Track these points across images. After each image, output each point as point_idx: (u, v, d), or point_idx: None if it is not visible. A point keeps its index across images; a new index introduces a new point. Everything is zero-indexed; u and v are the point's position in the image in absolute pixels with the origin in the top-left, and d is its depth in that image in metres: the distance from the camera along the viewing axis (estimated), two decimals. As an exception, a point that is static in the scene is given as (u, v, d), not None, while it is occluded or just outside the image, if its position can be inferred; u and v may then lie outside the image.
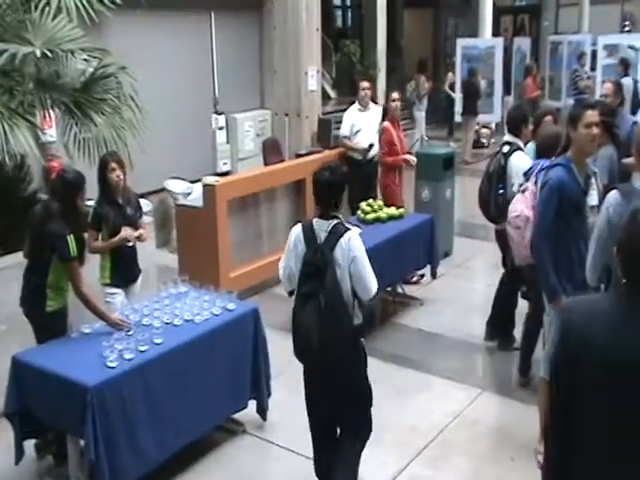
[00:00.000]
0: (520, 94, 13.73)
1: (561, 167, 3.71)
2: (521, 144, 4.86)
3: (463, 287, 6.41)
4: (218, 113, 8.89)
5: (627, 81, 9.71)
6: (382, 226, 5.80)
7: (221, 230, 5.93)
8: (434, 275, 6.12)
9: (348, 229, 3.19)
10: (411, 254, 5.85)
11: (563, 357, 2.10)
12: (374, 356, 4.99)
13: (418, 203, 7.18)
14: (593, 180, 3.85)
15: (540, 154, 4.41)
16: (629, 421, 1.98)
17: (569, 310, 2.18)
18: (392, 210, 6.03)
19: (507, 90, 13.88)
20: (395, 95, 7.08)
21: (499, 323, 5.12)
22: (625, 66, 10.97)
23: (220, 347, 3.96)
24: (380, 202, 6.20)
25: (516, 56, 14.75)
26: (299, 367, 4.92)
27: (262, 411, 4.19)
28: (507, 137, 4.96)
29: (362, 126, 7.16)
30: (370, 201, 6.18)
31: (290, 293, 3.37)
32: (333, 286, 3.08)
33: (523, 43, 15.17)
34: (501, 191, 4.78)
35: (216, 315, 4.03)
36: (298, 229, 3.27)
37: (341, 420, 3.36)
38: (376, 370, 4.83)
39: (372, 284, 3.19)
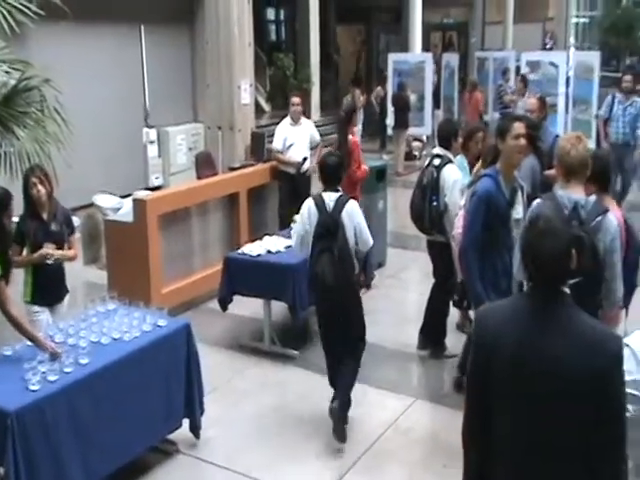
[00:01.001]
0: (460, 109, 14.12)
1: (489, 178, 3.82)
2: (451, 156, 4.98)
3: (397, 297, 6.51)
4: (149, 126, 8.77)
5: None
6: (316, 238, 5.81)
7: (152, 245, 5.82)
8: (368, 286, 6.17)
9: (349, 199, 4.19)
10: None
11: (478, 361, 2.16)
12: (310, 369, 5.06)
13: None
14: (520, 193, 3.95)
15: (484, 166, 4.53)
16: (541, 422, 2.03)
17: (483, 315, 2.25)
18: (326, 222, 6.06)
19: (437, 104, 14.24)
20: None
21: (431, 332, 5.21)
22: (525, 83, 11.54)
23: (151, 365, 3.86)
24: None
25: (445, 71, 15.16)
26: (234, 381, 4.90)
27: (195, 429, 4.11)
28: (437, 150, 5.07)
29: (294, 140, 7.23)
30: (292, 231, 6.19)
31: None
32: (343, 242, 4.06)
33: (452, 59, 15.60)
34: (434, 203, 4.88)
35: (146, 332, 3.94)
36: (310, 202, 4.19)
37: (346, 343, 4.28)
38: (312, 382, 4.88)
39: (370, 239, 4.26)
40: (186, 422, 4.08)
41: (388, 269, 7.12)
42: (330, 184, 4.19)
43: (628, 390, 2.08)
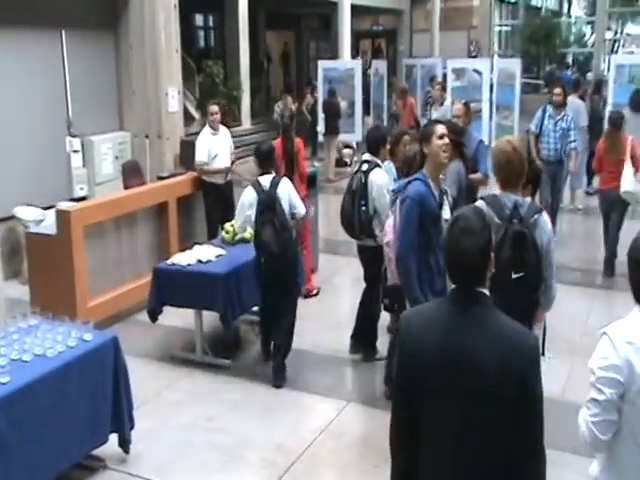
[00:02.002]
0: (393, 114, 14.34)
1: (419, 181, 3.91)
2: (379, 162, 5.07)
3: (329, 302, 6.56)
4: (72, 136, 8.51)
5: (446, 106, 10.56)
6: (247, 246, 5.79)
7: (77, 258, 5.66)
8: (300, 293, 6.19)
9: (282, 178, 5.01)
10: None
11: (403, 365, 2.19)
12: (239, 377, 5.04)
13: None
14: (446, 197, 4.07)
15: (405, 172, 4.61)
16: (464, 424, 2.06)
17: (407, 319, 2.26)
18: (257, 230, 6.05)
19: (367, 111, 14.45)
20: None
21: (362, 336, 5.28)
22: (444, 91, 11.93)
23: (76, 381, 3.75)
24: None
25: (374, 78, 15.41)
26: (165, 393, 4.82)
27: (125, 444, 4.02)
28: (366, 156, 5.15)
29: (218, 151, 7.26)
30: (234, 222, 6.16)
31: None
32: (281, 213, 4.85)
33: (380, 66, 15.88)
34: (363, 208, 4.96)
35: (71, 347, 3.82)
36: (249, 188, 4.96)
37: (283, 302, 5.02)
38: (244, 391, 4.86)
39: (303, 206, 5.10)
40: (115, 437, 3.98)
41: (320, 275, 7.16)
42: (265, 168, 5.05)
43: (604, 374, 2.14)
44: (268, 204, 4.84)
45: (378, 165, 5.02)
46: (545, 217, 3.29)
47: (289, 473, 3.94)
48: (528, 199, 3.33)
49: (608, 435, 2.14)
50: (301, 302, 6.26)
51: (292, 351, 5.07)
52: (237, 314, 5.36)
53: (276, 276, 4.90)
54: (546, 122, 8.04)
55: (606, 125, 7.93)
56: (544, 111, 8.14)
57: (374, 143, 5.12)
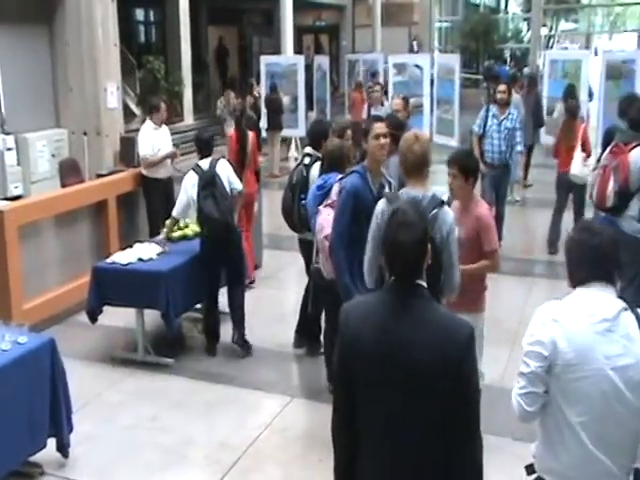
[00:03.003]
0: (349, 107, 14.39)
1: (357, 174, 3.95)
2: (320, 156, 5.06)
3: (273, 298, 6.55)
4: (6, 133, 8.25)
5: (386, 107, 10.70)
6: (189, 243, 5.75)
7: (11, 259, 5.49)
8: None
9: (219, 159, 5.39)
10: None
11: (342, 357, 2.21)
12: (182, 375, 5.00)
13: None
14: (387, 189, 4.10)
15: (329, 167, 4.64)
16: (403, 413, 2.10)
17: (346, 312, 2.29)
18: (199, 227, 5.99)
19: (310, 106, 14.48)
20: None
21: (306, 330, 5.30)
22: (384, 91, 12.03)
23: (10, 385, 3.64)
24: (187, 219, 6.14)
25: (317, 73, 15.44)
26: (106, 395, 4.73)
27: (63, 448, 3.92)
28: (308, 149, 5.20)
29: (161, 145, 7.16)
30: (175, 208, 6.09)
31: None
32: (221, 186, 5.20)
33: (323, 61, 15.92)
34: (303, 201, 4.98)
35: (4, 351, 3.71)
36: (190, 173, 5.29)
37: (232, 274, 5.39)
38: (188, 389, 4.82)
39: (239, 183, 5.44)
40: (53, 442, 3.89)
41: (264, 271, 7.15)
42: (204, 153, 5.40)
43: (530, 348, 2.24)
44: (208, 180, 5.19)
45: (319, 158, 5.03)
46: (447, 209, 3.33)
47: (233, 470, 3.93)
48: (429, 193, 3.36)
49: (534, 407, 2.24)
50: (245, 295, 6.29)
51: (234, 346, 5.05)
52: (180, 312, 5.32)
53: (220, 245, 5.20)
54: (490, 122, 7.42)
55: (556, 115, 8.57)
56: (487, 110, 7.53)
57: (316, 137, 5.16)
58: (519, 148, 7.53)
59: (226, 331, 5.77)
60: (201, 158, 5.35)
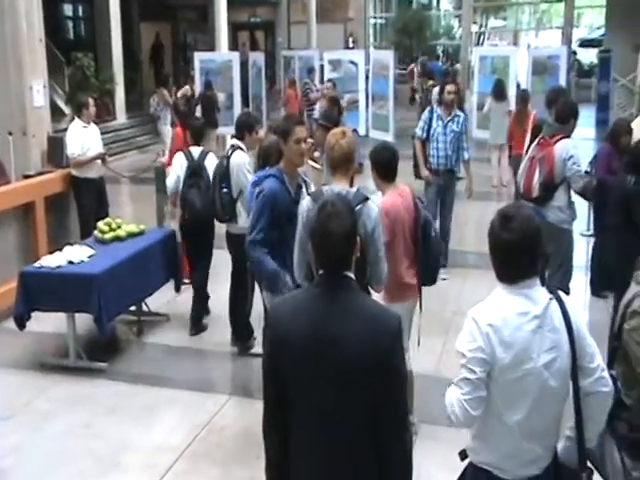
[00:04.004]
0: (284, 104, 14.33)
1: (273, 178, 3.92)
2: (242, 146, 5.18)
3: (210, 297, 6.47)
4: None
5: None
6: (122, 244, 5.63)
7: None
8: (178, 289, 6.10)
9: (209, 152, 5.66)
10: (155, 270, 5.77)
11: (272, 353, 2.20)
12: (117, 380, 4.89)
13: (160, 217, 7.10)
14: (304, 189, 4.07)
15: (262, 164, 4.63)
16: (333, 406, 2.11)
17: (275, 308, 2.31)
18: (132, 227, 5.88)
19: (245, 103, 14.38)
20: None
21: (237, 327, 5.27)
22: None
23: None
24: (119, 220, 6.01)
25: (252, 70, 15.34)
26: (36, 403, 4.58)
27: (-11, 461, 3.80)
28: (233, 141, 5.27)
29: (90, 144, 7.00)
30: (108, 220, 5.96)
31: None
32: (207, 179, 5.43)
33: (258, 58, 15.84)
34: (225, 190, 5.00)
35: None
36: (181, 155, 5.64)
37: (198, 257, 5.85)
38: (123, 393, 4.72)
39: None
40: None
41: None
42: (196, 141, 5.74)
43: (473, 355, 2.22)
44: (195, 170, 5.51)
45: (240, 148, 5.14)
46: (371, 205, 3.31)
47: (170, 473, 3.88)
48: (353, 189, 3.38)
49: (479, 410, 2.25)
50: (180, 298, 6.22)
51: (171, 349, 4.98)
52: (113, 315, 5.19)
53: (197, 231, 5.59)
54: (434, 125, 6.68)
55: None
56: (431, 112, 6.79)
57: (239, 128, 5.27)
58: (467, 156, 6.86)
59: (160, 332, 5.71)
60: (194, 145, 5.69)
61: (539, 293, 2.25)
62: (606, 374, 2.30)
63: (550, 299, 2.24)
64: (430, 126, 6.72)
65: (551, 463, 2.32)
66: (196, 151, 5.62)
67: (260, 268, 3.92)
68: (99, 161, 7.12)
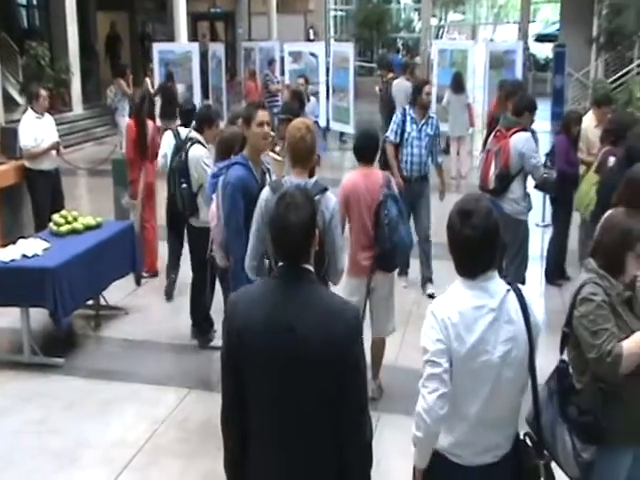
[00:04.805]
0: (244, 96, 14.20)
1: (239, 165, 3.90)
2: (200, 139, 5.16)
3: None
4: None
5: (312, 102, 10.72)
6: (79, 237, 5.52)
7: None
8: (138, 282, 6.03)
9: (195, 142, 5.26)
10: (113, 263, 5.68)
11: (230, 346, 2.19)
12: (74, 375, 4.81)
13: (118, 210, 7.00)
14: (267, 176, 4.11)
15: (221, 156, 4.59)
16: (292, 399, 2.11)
17: (234, 301, 2.27)
18: (88, 220, 5.78)
19: (205, 94, 14.23)
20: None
21: (198, 321, 5.24)
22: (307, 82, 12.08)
23: None
24: (75, 212, 5.89)
25: (212, 61, 15.18)
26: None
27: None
28: (192, 134, 5.23)
29: (44, 136, 6.86)
30: (63, 212, 5.85)
31: None
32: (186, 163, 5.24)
33: (218, 49, 15.67)
34: (184, 185, 4.95)
35: None
36: (169, 132, 5.71)
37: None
38: (78, 389, 4.64)
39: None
40: None
41: (162, 263, 6.95)
42: (183, 122, 5.79)
43: (435, 348, 2.22)
44: (180, 147, 5.36)
45: (199, 141, 5.11)
46: (329, 195, 3.39)
47: (129, 468, 3.84)
48: (312, 180, 3.42)
49: (445, 408, 2.23)
50: (140, 291, 6.14)
51: (130, 343, 4.92)
52: (70, 309, 5.09)
53: (179, 226, 5.54)
54: (408, 128, 6.13)
55: None
56: (404, 114, 6.21)
57: (198, 121, 5.26)
58: (440, 160, 6.45)
59: (119, 326, 5.64)
60: (181, 126, 5.74)
61: (497, 286, 2.27)
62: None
63: (507, 291, 2.26)
64: (404, 130, 6.14)
65: (511, 452, 2.34)
66: (184, 132, 5.56)
67: (235, 268, 3.81)
68: (54, 152, 6.97)
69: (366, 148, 4.35)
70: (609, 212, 3.05)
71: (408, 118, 6.16)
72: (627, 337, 2.61)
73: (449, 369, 2.22)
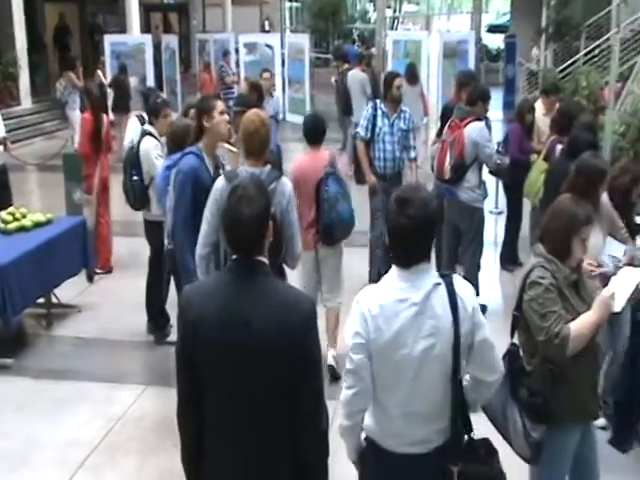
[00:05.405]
0: (199, 88, 14.02)
1: (193, 155, 3.86)
2: (152, 131, 5.12)
3: (124, 286, 6.26)
4: None
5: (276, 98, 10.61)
6: (28, 235, 5.38)
7: None
8: (91, 279, 5.91)
9: (146, 134, 5.15)
10: (64, 260, 5.55)
11: (185, 340, 2.18)
12: (25, 376, 4.70)
13: (69, 205, 6.83)
14: (222, 171, 4.08)
15: (173, 147, 4.53)
16: (247, 392, 2.10)
17: (188, 294, 2.25)
18: (38, 216, 5.64)
19: (160, 86, 14.03)
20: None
21: (153, 316, 5.17)
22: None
23: None
24: (23, 209, 5.74)
25: (166, 53, 14.97)
26: None
27: None
28: (145, 126, 5.22)
29: None
30: (11, 209, 5.69)
31: None
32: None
33: (171, 40, 15.45)
34: (135, 177, 4.93)
35: None
36: (135, 119, 5.80)
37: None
38: (27, 391, 4.53)
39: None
40: None
41: (115, 259, 6.86)
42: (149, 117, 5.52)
43: (353, 341, 2.20)
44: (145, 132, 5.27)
45: (150, 133, 5.09)
46: (285, 180, 3.47)
47: (83, 468, 3.77)
48: (267, 168, 3.46)
49: (361, 406, 2.23)
50: (93, 288, 6.02)
51: (83, 341, 4.82)
52: (20, 308, 4.96)
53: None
54: (380, 123, 5.82)
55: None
56: (375, 108, 5.88)
57: (147, 113, 5.26)
58: (413, 154, 6.03)
59: (71, 324, 5.52)
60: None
61: (426, 279, 2.20)
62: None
63: (436, 285, 2.19)
64: (375, 125, 5.82)
65: (449, 442, 2.25)
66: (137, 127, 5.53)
67: (181, 258, 3.79)
68: (0, 148, 6.76)
69: (314, 132, 4.67)
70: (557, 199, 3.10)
71: (379, 112, 5.85)
72: (574, 319, 2.67)
73: (367, 364, 2.20)
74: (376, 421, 2.30)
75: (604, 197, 3.77)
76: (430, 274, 2.22)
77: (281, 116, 8.56)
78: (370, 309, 2.20)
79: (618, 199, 3.86)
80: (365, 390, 2.23)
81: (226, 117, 3.90)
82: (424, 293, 2.18)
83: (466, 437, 2.31)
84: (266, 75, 8.76)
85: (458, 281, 2.26)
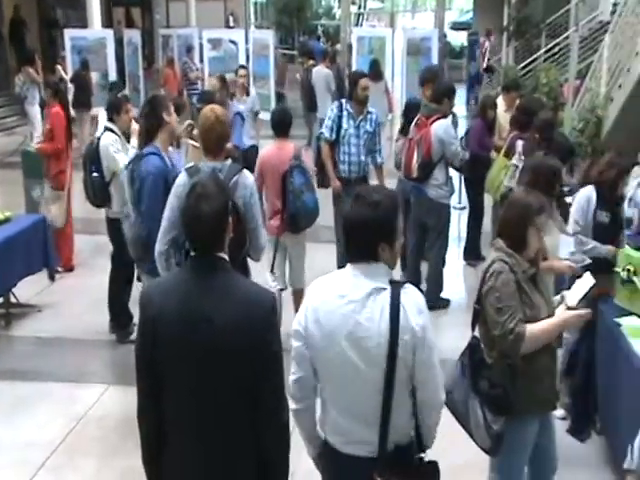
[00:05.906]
0: (162, 84, 13.84)
1: (155, 156, 3.82)
2: (113, 127, 5.06)
3: (87, 285, 6.16)
4: None
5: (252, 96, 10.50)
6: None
7: None
8: (52, 277, 5.80)
9: (106, 130, 5.09)
10: (23, 259, 5.44)
11: (144, 337, 2.16)
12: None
13: (29, 203, 6.69)
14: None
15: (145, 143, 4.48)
16: (208, 388, 2.09)
17: (148, 292, 2.25)
18: (-5, 215, 5.51)
19: (122, 82, 13.80)
20: None
21: (116, 314, 5.11)
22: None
23: None
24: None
25: (128, 48, 14.71)
26: None
27: None
28: (106, 123, 5.15)
29: None
30: None
31: None
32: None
33: (134, 35, 15.20)
34: (95, 174, 4.88)
35: None
36: (102, 109, 5.71)
37: None
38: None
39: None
40: None
41: (77, 258, 6.74)
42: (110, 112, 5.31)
43: (294, 328, 2.22)
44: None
45: (110, 129, 5.03)
46: (246, 174, 3.48)
47: (43, 469, 3.71)
48: (228, 162, 3.47)
49: (301, 393, 2.23)
50: (54, 287, 5.91)
51: (43, 341, 4.73)
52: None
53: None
54: (345, 125, 5.53)
55: None
56: (340, 109, 5.58)
57: (109, 110, 5.18)
58: (379, 160, 5.75)
59: (31, 323, 5.42)
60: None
61: (370, 279, 2.14)
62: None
63: (380, 289, 2.12)
64: (340, 126, 5.52)
65: (392, 451, 2.19)
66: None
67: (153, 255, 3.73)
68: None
69: (281, 123, 4.87)
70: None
71: (345, 113, 5.53)
72: (532, 313, 2.71)
73: (306, 353, 2.20)
74: (322, 414, 2.31)
75: None
76: (377, 276, 2.15)
77: (261, 114, 8.38)
78: (312, 301, 2.22)
79: (605, 193, 3.95)
80: (305, 378, 2.23)
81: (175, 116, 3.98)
82: (365, 293, 2.13)
83: (417, 456, 2.25)
84: (242, 72, 8.65)
85: (409, 293, 2.15)
